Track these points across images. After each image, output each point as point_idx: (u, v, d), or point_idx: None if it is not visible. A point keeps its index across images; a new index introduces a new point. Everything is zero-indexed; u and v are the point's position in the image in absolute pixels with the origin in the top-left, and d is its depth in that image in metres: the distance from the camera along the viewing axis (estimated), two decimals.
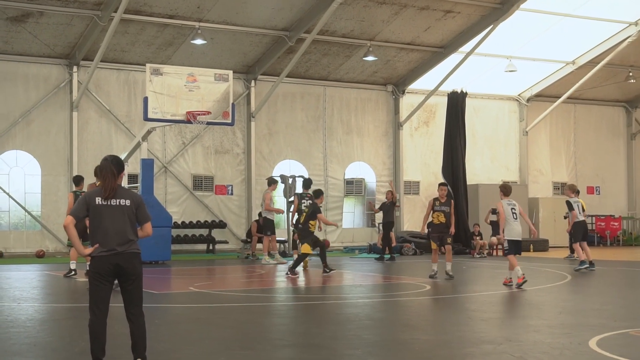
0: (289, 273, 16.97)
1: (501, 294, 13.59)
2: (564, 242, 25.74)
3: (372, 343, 8.72)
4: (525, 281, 14.03)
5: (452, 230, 16.34)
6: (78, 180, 16.73)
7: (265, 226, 21.53)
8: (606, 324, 9.72)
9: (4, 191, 23.63)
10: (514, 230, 14.52)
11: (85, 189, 16.83)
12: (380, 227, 27.24)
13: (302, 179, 21.16)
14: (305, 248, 17.37)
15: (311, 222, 17.59)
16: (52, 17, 22.00)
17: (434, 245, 16.48)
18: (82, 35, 23.04)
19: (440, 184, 17.29)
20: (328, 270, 17.40)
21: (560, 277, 16.79)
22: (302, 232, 17.83)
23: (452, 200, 16.86)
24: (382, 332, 9.55)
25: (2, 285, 15.10)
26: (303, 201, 19.69)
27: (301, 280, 16.75)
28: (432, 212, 16.38)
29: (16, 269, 18.78)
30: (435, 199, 16.45)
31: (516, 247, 14.60)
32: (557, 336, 8.82)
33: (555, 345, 8.26)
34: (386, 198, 24.19)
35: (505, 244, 14.58)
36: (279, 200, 25.41)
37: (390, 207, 23.31)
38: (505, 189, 14.79)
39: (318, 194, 18.27)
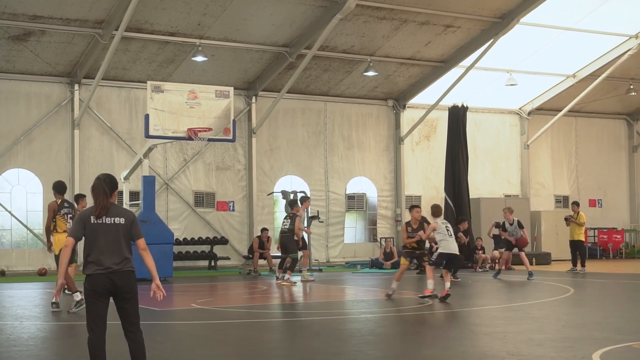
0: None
1: (504, 308, 13.55)
2: (566, 255, 25.69)
3: (375, 358, 8.69)
4: (433, 296, 14.37)
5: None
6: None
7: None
8: (610, 337, 9.69)
9: (6, 209, 23.65)
10: (451, 245, 14.90)
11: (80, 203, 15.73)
12: (383, 242, 27.28)
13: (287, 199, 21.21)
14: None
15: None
16: (54, 36, 22.09)
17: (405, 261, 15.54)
18: (83, 54, 23.13)
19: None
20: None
21: (563, 290, 16.74)
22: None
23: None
24: (385, 347, 9.52)
25: (5, 303, 15.09)
26: (284, 221, 19.81)
27: (300, 295, 16.70)
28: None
29: (18, 287, 18.77)
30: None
31: (447, 261, 14.92)
32: (560, 350, 8.79)
33: (559, 359, 8.24)
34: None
35: (434, 256, 15.03)
36: (280, 215, 25.42)
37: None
38: (436, 210, 15.15)
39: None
